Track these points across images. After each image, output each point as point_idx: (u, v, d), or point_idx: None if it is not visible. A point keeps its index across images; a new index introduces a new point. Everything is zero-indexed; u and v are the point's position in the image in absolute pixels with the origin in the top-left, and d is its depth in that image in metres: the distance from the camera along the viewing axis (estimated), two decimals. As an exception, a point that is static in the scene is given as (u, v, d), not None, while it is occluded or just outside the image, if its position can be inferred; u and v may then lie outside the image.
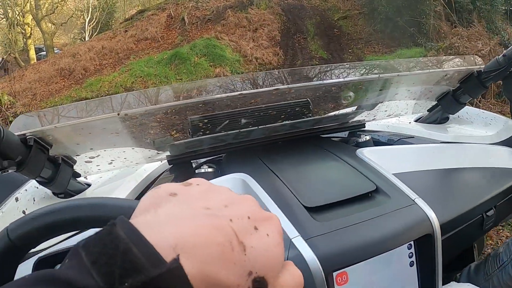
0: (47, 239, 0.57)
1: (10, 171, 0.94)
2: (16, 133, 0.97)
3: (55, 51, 20.05)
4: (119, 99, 1.09)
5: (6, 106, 6.64)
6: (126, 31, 16.36)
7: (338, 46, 14.62)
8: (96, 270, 0.29)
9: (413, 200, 0.95)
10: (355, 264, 0.81)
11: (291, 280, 0.37)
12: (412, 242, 0.89)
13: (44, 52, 21.41)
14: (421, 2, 12.53)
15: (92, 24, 21.88)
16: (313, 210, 0.91)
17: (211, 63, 13.35)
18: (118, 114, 0.98)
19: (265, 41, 14.42)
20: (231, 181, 1.02)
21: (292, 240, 0.80)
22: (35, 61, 19.25)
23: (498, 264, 1.09)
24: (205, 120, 1.18)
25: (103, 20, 22.38)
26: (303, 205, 0.92)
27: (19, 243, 0.55)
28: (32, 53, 20.81)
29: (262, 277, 0.33)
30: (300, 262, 0.75)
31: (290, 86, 1.14)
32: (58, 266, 0.74)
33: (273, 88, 1.13)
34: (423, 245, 0.90)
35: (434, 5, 11.96)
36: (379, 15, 14.14)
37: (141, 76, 12.69)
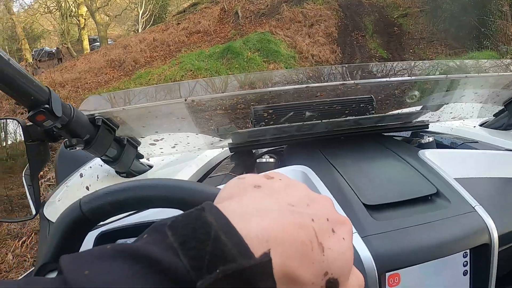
0: (118, 214, 0.60)
1: (77, 148, 1.00)
2: (85, 113, 1.01)
3: (109, 42, 20.62)
4: (186, 86, 1.13)
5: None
6: (178, 23, 16.48)
7: (398, 45, 14.11)
8: (184, 252, 0.30)
9: (473, 207, 0.93)
10: (408, 266, 0.81)
11: (355, 282, 0.38)
12: (468, 251, 0.87)
13: (98, 43, 22.13)
14: (488, 1, 11.79)
15: (146, 16, 22.38)
16: (372, 208, 0.91)
17: (264, 59, 13.13)
18: (185, 100, 1.01)
19: (321, 38, 14.08)
20: (292, 172, 1.03)
21: None
22: (89, 51, 19.85)
23: None
24: (270, 111, 1.19)
25: (156, 12, 22.85)
26: (362, 202, 0.92)
27: (90, 215, 0.58)
28: (86, 44, 21.54)
29: (336, 279, 0.34)
30: (355, 259, 0.74)
31: (356, 81, 1.14)
32: (120, 241, 0.78)
33: (339, 83, 1.14)
34: (479, 255, 0.88)
35: (500, 5, 11.32)
36: (443, 13, 13.50)
37: (191, 70, 12.61)
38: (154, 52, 14.98)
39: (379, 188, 1.00)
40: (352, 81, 1.15)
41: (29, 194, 1.10)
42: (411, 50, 13.60)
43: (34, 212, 1.08)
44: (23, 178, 1.12)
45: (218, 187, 0.60)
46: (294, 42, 14.05)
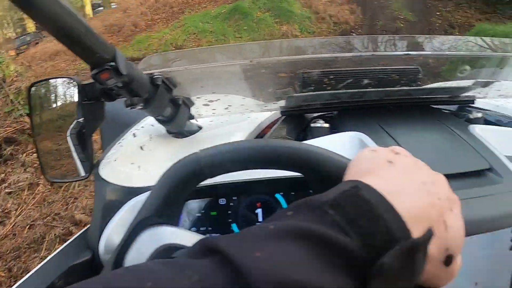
0: (234, 171, 0.61)
1: (138, 107, 1.01)
2: (145, 72, 1.03)
3: (112, 6, 19.84)
4: (245, 47, 1.13)
5: (11, 80, 5.45)
6: (182, -19, 14.95)
7: (423, 7, 12.97)
8: (354, 230, 0.32)
9: None
10: None
11: (460, 261, 0.41)
12: None
13: (102, 8, 21.34)
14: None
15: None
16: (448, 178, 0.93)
17: (276, 19, 12.21)
18: (251, 61, 1.03)
19: (339, -5, 12.45)
20: (349, 139, 1.05)
21: None
22: (92, 16, 19.20)
23: None
24: (330, 77, 1.20)
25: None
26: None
27: (207, 170, 0.60)
28: (88, 9, 20.86)
29: (451, 255, 0.38)
30: None
31: (421, 53, 1.14)
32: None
33: (403, 53, 1.14)
34: None
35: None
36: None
37: (194, 33, 11.98)
38: (155, 15, 14.15)
39: (434, 159, 1.01)
40: (417, 52, 1.15)
41: (77, 154, 1.13)
42: (438, 13, 12.77)
43: (83, 172, 1.10)
44: (69, 137, 1.13)
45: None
46: (309, 0, 12.92)
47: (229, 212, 0.87)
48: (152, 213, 0.60)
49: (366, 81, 1.22)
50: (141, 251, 0.55)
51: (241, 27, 12.22)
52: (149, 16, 14.25)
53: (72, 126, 1.12)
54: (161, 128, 1.24)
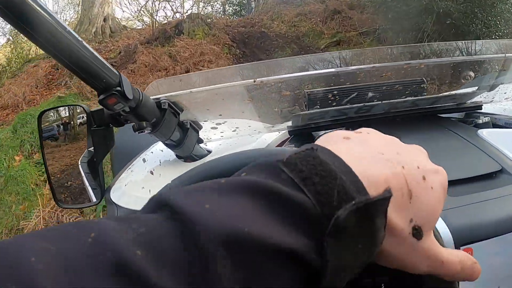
0: None
1: (146, 132, 1.04)
2: (151, 97, 1.07)
3: None
4: (249, 68, 1.17)
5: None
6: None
7: None
8: (308, 188, 0.32)
9: None
10: (481, 241, 0.84)
11: (432, 238, 0.40)
12: None
13: None
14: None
15: None
16: (456, 183, 0.97)
17: None
18: (254, 81, 1.07)
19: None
20: None
21: None
22: None
23: None
24: (334, 93, 1.24)
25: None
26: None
27: None
28: None
29: (419, 227, 0.38)
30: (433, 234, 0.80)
31: (422, 61, 1.18)
32: None
33: (404, 62, 1.18)
34: None
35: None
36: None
37: None
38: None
39: (445, 165, 1.03)
40: (417, 61, 1.19)
41: (88, 180, 1.16)
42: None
43: (95, 198, 1.13)
44: (80, 165, 1.17)
45: None
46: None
47: None
48: None
49: (371, 95, 1.25)
50: None
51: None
52: None
53: (83, 154, 1.16)
54: (171, 153, 1.28)
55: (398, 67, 1.22)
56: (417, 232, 0.37)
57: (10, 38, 11.40)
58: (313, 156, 0.34)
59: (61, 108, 1.25)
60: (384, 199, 0.34)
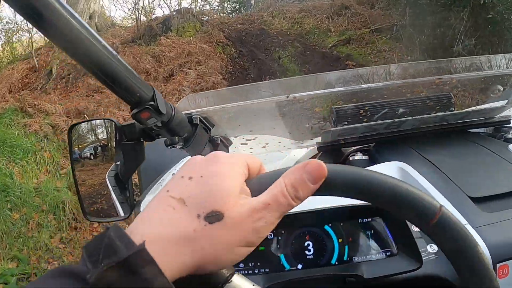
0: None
1: (178, 147, 1.04)
2: (183, 112, 1.07)
3: None
4: (281, 84, 1.18)
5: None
6: None
7: None
8: (88, 260, 0.37)
9: None
10: None
11: (241, 207, 0.43)
12: None
13: None
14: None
15: None
16: (479, 201, 0.97)
17: None
18: (287, 97, 1.07)
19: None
20: (390, 169, 1.09)
21: None
22: None
23: None
24: (365, 108, 1.25)
25: None
26: (467, 195, 0.97)
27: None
28: None
29: (211, 211, 0.41)
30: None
31: (453, 76, 1.18)
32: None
33: (436, 77, 1.18)
34: None
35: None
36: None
37: None
38: None
39: (480, 181, 1.05)
40: (448, 75, 1.19)
41: (116, 195, 1.17)
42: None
43: (123, 213, 1.14)
44: (107, 179, 1.17)
45: None
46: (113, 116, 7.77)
47: (278, 246, 0.89)
48: None
49: (401, 110, 1.25)
50: None
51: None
52: None
53: (110, 168, 1.17)
54: (200, 168, 1.27)
55: (429, 82, 1.22)
56: (214, 217, 0.41)
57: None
58: (103, 235, 0.39)
59: (92, 122, 1.26)
60: (142, 250, 0.37)
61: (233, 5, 14.66)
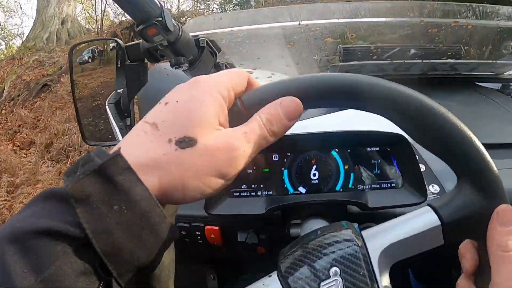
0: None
1: (183, 68, 1.01)
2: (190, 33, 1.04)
3: None
4: (292, 10, 1.14)
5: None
6: None
7: None
8: (66, 176, 0.37)
9: None
10: None
11: (218, 135, 0.42)
12: None
13: None
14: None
15: None
16: (492, 147, 0.96)
17: None
18: (299, 24, 1.04)
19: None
20: None
21: None
22: None
23: None
24: (377, 44, 1.22)
25: None
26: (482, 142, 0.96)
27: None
28: None
29: (183, 136, 0.40)
30: None
31: (471, 21, 1.16)
32: None
33: (453, 20, 1.15)
34: None
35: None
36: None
37: None
38: None
39: (486, 129, 1.04)
40: (466, 20, 1.16)
41: (116, 122, 1.15)
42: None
43: (121, 139, 1.11)
44: (107, 106, 1.16)
45: None
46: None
47: (282, 168, 0.87)
48: None
49: (413, 51, 1.23)
50: None
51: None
52: None
53: (111, 96, 1.15)
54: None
55: (446, 24, 1.19)
56: (186, 143, 0.40)
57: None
58: (88, 154, 0.39)
59: (94, 42, 1.23)
60: (116, 156, 0.37)
61: (233, 8, 14.44)
